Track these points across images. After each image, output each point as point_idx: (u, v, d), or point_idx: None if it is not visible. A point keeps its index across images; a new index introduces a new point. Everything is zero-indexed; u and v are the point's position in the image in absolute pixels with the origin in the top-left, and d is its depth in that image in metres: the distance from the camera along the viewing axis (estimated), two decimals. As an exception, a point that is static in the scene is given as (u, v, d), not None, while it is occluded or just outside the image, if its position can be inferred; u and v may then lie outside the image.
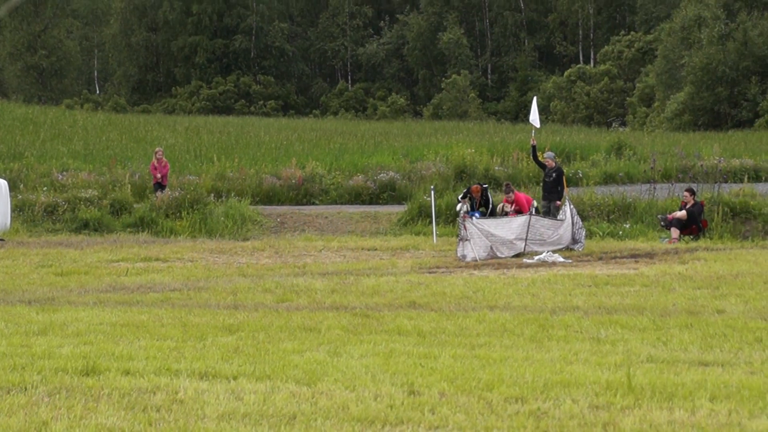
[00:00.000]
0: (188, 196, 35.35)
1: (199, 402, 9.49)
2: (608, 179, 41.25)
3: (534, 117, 29.06)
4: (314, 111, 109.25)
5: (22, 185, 38.11)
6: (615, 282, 19.14)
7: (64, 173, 41.03)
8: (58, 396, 9.67)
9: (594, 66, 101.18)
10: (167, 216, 34.69)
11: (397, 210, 35.65)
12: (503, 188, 29.95)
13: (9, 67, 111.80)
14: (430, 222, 31.13)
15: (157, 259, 25.00)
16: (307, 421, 8.81)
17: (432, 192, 31.46)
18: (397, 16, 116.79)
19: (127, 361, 11.40)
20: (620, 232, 30.34)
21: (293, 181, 40.60)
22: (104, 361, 11.28)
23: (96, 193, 36.46)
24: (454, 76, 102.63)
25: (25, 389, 9.93)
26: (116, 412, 9.08)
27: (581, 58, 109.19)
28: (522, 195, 29.12)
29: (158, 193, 35.93)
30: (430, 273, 21.85)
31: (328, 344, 12.72)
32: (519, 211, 27.78)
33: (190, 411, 9.16)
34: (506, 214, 28.02)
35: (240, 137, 58.97)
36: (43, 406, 9.27)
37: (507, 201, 28.83)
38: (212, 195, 37.04)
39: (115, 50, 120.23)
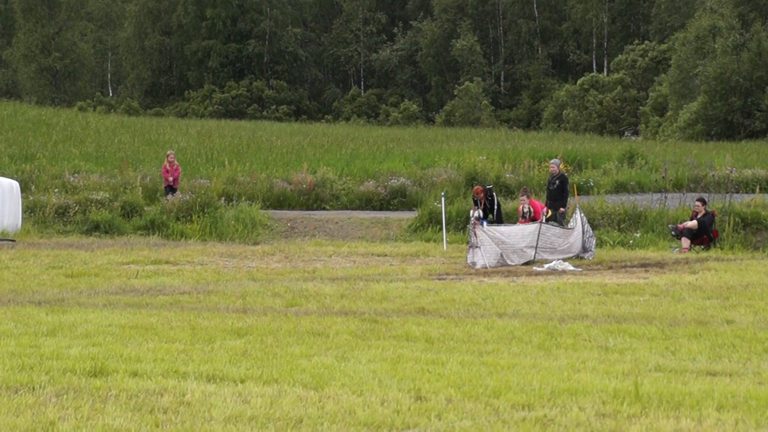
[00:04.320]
0: (199, 200, 35.39)
1: (206, 404, 9.51)
2: (619, 188, 41.19)
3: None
4: (326, 116, 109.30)
5: (33, 186, 38.20)
6: (624, 291, 19.12)
7: (76, 175, 41.15)
8: (65, 396, 9.70)
9: (607, 75, 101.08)
10: (178, 219, 34.74)
11: (408, 216, 35.63)
12: (521, 193, 29.60)
13: (23, 69, 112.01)
14: (441, 229, 31.14)
15: (167, 262, 25.04)
16: (314, 425, 8.82)
17: (443, 198, 31.47)
18: (411, 22, 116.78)
19: (135, 363, 11.43)
20: (631, 242, 30.29)
21: (304, 185, 40.61)
22: (112, 363, 11.31)
23: (107, 196, 36.53)
24: (467, 83, 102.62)
25: (33, 389, 9.97)
26: (123, 414, 9.11)
27: (594, 66, 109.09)
28: (537, 203, 28.99)
29: (169, 196, 36.00)
30: (439, 279, 21.85)
31: (336, 349, 12.73)
32: (533, 219, 27.71)
33: (197, 413, 9.18)
34: (529, 212, 27.89)
35: (252, 141, 59.06)
36: (50, 406, 9.30)
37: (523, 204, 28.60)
38: (223, 199, 37.08)
39: (129, 53, 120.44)
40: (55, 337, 13.41)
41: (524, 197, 28.51)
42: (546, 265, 24.44)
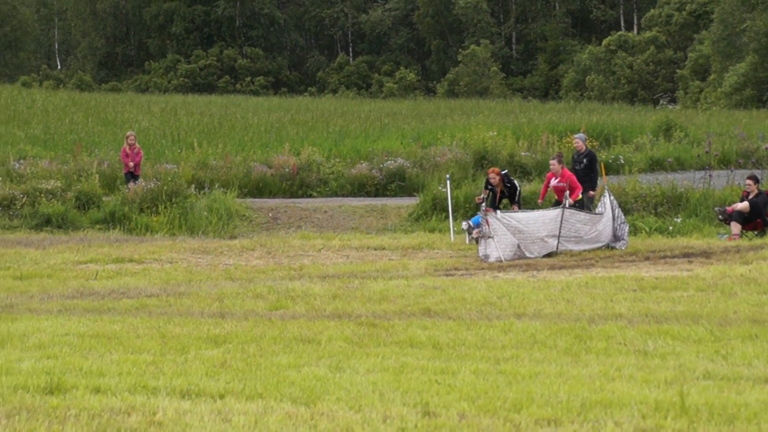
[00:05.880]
0: (165, 188, 35.39)
1: (181, 424, 9.54)
2: (655, 166, 41.24)
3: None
4: (310, 89, 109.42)
5: (-28, 176, 38.22)
6: (665, 286, 19.15)
7: (22, 161, 41.13)
8: (17, 417, 9.72)
9: (638, 33, 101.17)
10: (142, 211, 34.76)
11: (408, 203, 35.67)
12: (554, 157, 28.88)
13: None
14: (446, 217, 31.18)
15: (131, 261, 25.08)
16: (307, 447, 8.86)
17: (448, 182, 31.47)
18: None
19: (97, 378, 11.45)
20: (670, 228, 30.32)
21: (287, 170, 40.65)
22: (71, 378, 11.33)
23: (59, 185, 36.52)
24: (472, 46, 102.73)
25: (-21, 410, 10.00)
26: (85, 437, 9.13)
27: (623, 24, 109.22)
28: (571, 175, 28.24)
29: (131, 185, 35.99)
30: (447, 276, 21.88)
31: (329, 358, 12.76)
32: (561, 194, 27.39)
33: (171, 435, 9.21)
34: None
35: (224, 119, 59.06)
36: (0, 429, 9.31)
37: (552, 174, 28.09)
38: (193, 186, 37.10)
39: (79, 19, 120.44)
40: (3, 348, 13.44)
41: (554, 161, 27.80)
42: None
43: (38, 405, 10.18)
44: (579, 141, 29.47)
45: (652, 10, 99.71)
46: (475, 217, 27.04)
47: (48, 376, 11.33)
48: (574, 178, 27.42)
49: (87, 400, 10.40)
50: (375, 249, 27.54)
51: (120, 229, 33.37)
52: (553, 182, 27.78)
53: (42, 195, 35.50)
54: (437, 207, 33.61)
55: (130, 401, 10.38)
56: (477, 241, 25.76)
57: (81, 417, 9.77)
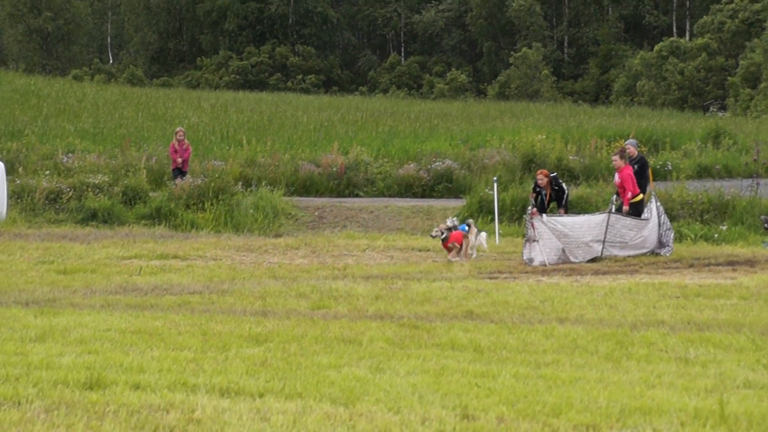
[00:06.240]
0: (213, 185, 35.53)
1: (219, 422, 9.55)
2: (703, 173, 41.04)
3: None
4: (361, 88, 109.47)
5: (21, 168, 38.44)
6: (708, 293, 19.04)
7: (70, 155, 41.36)
8: (56, 412, 9.76)
9: (690, 40, 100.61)
10: (188, 207, 34.89)
11: (454, 204, 35.64)
12: (615, 153, 28.33)
13: (8, 31, 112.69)
14: (492, 219, 31.11)
15: (175, 257, 25.16)
16: (343, 448, 8.85)
17: (495, 184, 31.40)
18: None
19: (137, 374, 11.49)
20: (716, 235, 30.14)
21: (334, 169, 40.70)
22: (111, 374, 11.37)
23: (106, 179, 36.70)
24: (524, 49, 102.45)
25: (19, 404, 10.03)
26: (123, 432, 9.17)
27: (675, 30, 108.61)
28: (629, 174, 27.49)
29: (178, 180, 36.14)
30: (490, 278, 21.84)
31: (369, 359, 12.74)
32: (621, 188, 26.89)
33: (209, 433, 9.23)
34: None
35: (274, 117, 59.23)
36: (39, 424, 9.36)
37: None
38: (240, 184, 37.21)
39: (132, 13, 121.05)
40: (44, 343, 13.49)
41: (616, 157, 27.21)
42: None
43: (77, 400, 10.22)
44: (631, 146, 29.25)
45: (704, 17, 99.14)
46: (462, 225, 26.79)
47: (88, 371, 11.37)
48: (629, 176, 26.84)
49: (126, 397, 10.43)
50: (419, 250, 27.52)
51: (165, 225, 33.48)
52: (615, 179, 27.46)
53: (89, 189, 35.66)
54: (483, 209, 33.55)
55: (170, 398, 10.40)
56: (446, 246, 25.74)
57: (120, 413, 9.80)
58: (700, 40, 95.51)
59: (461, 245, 25.44)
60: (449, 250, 25.50)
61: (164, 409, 9.99)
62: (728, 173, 40.68)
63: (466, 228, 25.96)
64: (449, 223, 26.17)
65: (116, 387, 10.83)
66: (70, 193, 35.60)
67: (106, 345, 13.34)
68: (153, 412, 9.86)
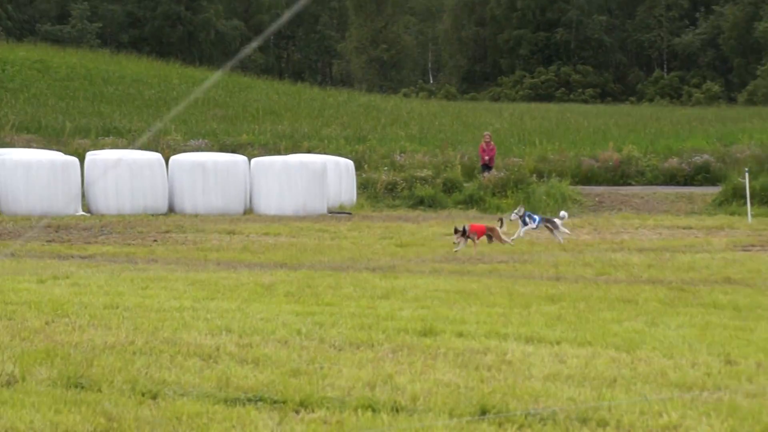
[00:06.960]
0: (512, 177, 35.69)
1: (526, 363, 9.53)
2: None
3: None
4: (630, 98, 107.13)
5: (365, 165, 39.51)
6: None
7: (402, 155, 42.19)
8: (400, 353, 9.94)
9: None
10: (494, 194, 35.09)
11: (711, 191, 34.61)
12: None
13: (355, 60, 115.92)
14: (744, 203, 30.04)
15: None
16: (627, 385, 8.68)
17: (746, 174, 30.35)
18: (713, 6, 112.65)
19: (460, 325, 11.57)
20: None
21: (610, 163, 40.21)
22: (440, 324, 11.49)
23: (430, 173, 37.26)
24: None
25: (372, 346, 10.26)
26: (452, 369, 9.24)
27: None
28: None
29: (485, 174, 36.39)
30: (744, 251, 21.06)
31: (645, 315, 12.47)
32: None
33: (518, 371, 9.21)
34: None
35: (560, 123, 58.79)
36: (388, 361, 9.56)
37: None
38: (534, 175, 37.15)
39: (447, 44, 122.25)
40: (388, 300, 13.74)
41: None
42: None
43: (415, 344, 10.38)
44: None
45: None
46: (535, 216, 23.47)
47: (422, 322, 11.53)
48: None
49: (452, 342, 10.52)
50: (683, 228, 26.82)
51: (476, 208, 33.78)
52: None
53: (417, 181, 36.31)
54: (736, 194, 32.45)
55: (486, 344, 10.43)
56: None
57: (448, 354, 9.91)
58: None
59: (480, 237, 21.15)
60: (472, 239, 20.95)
61: (482, 352, 10.03)
62: None
63: (536, 219, 23.20)
64: (513, 215, 23.36)
65: (444, 334, 10.93)
66: (403, 184, 36.34)
67: (435, 302, 13.50)
68: (474, 354, 9.92)
